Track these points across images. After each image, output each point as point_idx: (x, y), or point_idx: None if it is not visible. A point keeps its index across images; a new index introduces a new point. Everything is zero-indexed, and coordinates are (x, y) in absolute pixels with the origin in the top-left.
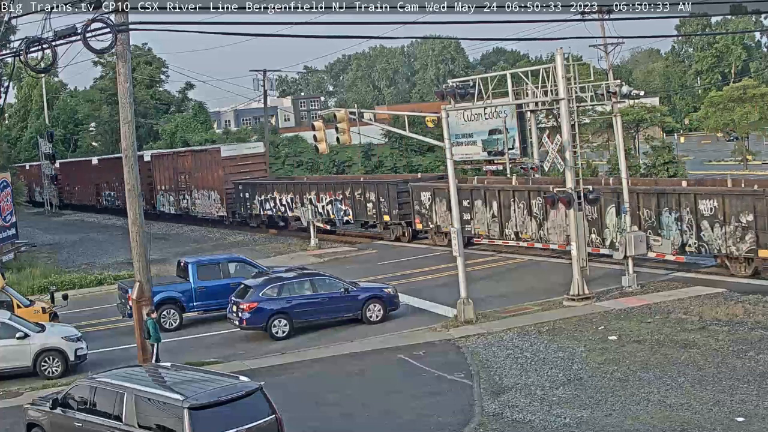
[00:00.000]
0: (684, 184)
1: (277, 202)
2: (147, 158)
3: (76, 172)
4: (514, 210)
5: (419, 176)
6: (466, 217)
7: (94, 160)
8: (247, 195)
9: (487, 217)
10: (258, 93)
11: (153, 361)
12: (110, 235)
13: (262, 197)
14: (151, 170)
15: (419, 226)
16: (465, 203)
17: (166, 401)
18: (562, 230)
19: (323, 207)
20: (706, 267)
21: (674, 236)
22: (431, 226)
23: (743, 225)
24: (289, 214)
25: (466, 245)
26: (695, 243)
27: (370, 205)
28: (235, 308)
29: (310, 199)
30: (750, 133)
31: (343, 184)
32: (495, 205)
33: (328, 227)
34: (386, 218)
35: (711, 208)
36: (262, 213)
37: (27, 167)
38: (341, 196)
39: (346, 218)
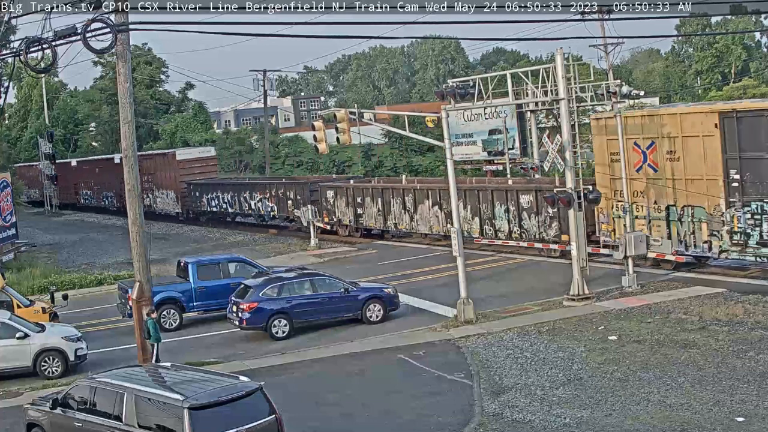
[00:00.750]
0: (510, 182)
1: (220, 200)
2: (116, 161)
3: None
4: (393, 205)
5: (333, 177)
6: (360, 211)
7: (73, 162)
8: (197, 194)
9: (374, 212)
10: (258, 93)
11: (153, 361)
12: (110, 235)
13: (209, 196)
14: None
15: (326, 219)
16: (358, 200)
17: (166, 401)
18: (426, 221)
19: (255, 204)
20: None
21: (503, 225)
22: (335, 219)
23: (550, 215)
24: (230, 210)
25: (365, 236)
26: (518, 230)
27: (289, 202)
28: (235, 308)
29: (245, 198)
30: None
31: (269, 184)
32: (379, 201)
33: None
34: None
35: (528, 202)
36: (208, 210)
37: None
38: (268, 195)
39: (272, 214)
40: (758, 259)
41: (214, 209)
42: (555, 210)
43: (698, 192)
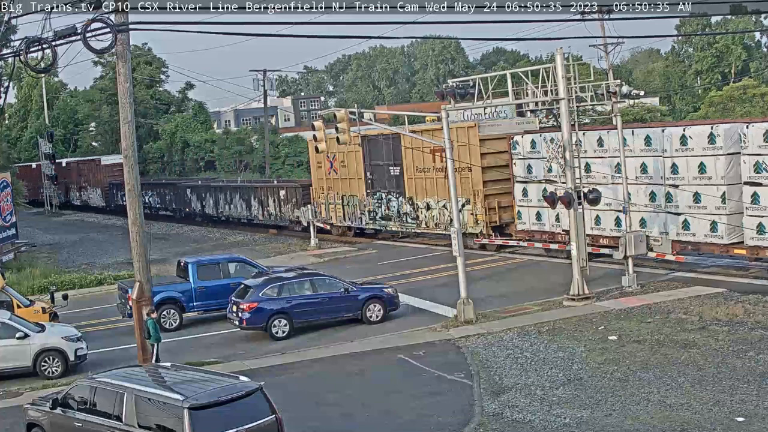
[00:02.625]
0: (275, 181)
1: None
2: (64, 164)
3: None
4: (233, 200)
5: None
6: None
7: (63, 162)
8: (115, 191)
9: (230, 207)
10: (258, 93)
11: (153, 361)
12: (110, 235)
13: (122, 193)
14: (69, 172)
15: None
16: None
17: (166, 401)
18: (262, 211)
19: (150, 198)
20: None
21: (259, 214)
22: (231, 215)
23: (292, 203)
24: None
25: (217, 224)
26: (279, 213)
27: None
28: (235, 308)
29: (150, 193)
30: None
31: (168, 184)
32: (221, 198)
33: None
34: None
35: (285, 195)
36: (122, 203)
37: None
38: (165, 192)
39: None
40: (380, 226)
41: (124, 204)
42: (294, 200)
43: (354, 187)
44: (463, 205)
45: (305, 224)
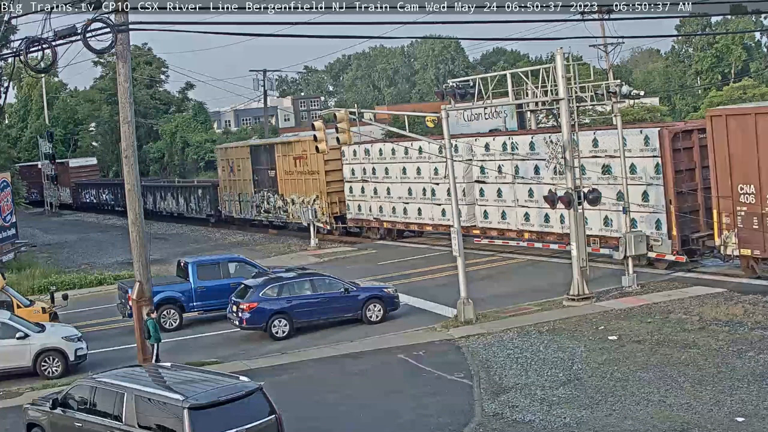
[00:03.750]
0: (195, 182)
1: (92, 195)
2: (39, 166)
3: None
4: (166, 198)
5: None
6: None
7: (39, 164)
8: (80, 190)
9: (164, 203)
10: (258, 93)
11: (153, 361)
12: (110, 235)
13: (86, 191)
14: (42, 174)
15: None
16: (158, 195)
17: (166, 401)
18: (186, 206)
19: (106, 197)
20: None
21: (184, 209)
22: (165, 210)
23: (201, 197)
24: (94, 201)
25: (154, 218)
26: (192, 210)
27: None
28: (235, 308)
29: (107, 192)
30: None
31: (118, 184)
32: (158, 196)
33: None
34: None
35: (201, 193)
36: (87, 201)
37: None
38: (117, 191)
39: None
40: (263, 218)
41: (86, 201)
42: (208, 197)
43: (246, 187)
44: (314, 200)
45: (305, 224)
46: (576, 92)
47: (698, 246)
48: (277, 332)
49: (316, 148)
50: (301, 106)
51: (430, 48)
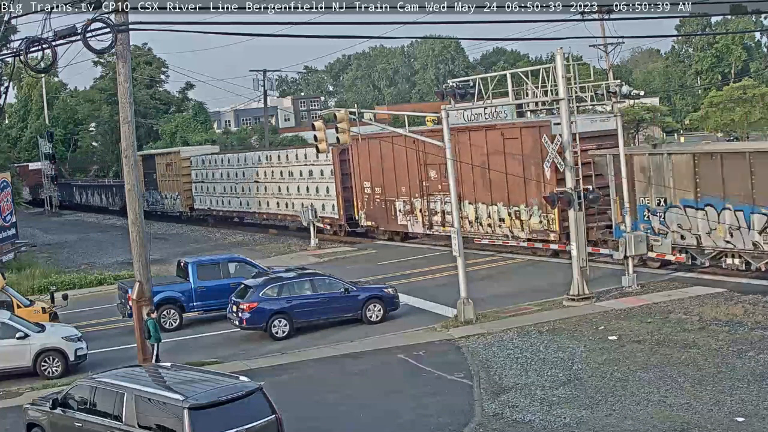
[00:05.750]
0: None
1: (50, 194)
2: (29, 167)
3: None
4: (99, 195)
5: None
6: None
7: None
8: (39, 189)
9: (97, 199)
10: (258, 93)
11: (153, 361)
12: (110, 235)
13: (42, 190)
14: (42, 174)
15: None
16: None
17: (166, 401)
18: (113, 202)
19: (58, 194)
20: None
21: (108, 204)
22: (94, 205)
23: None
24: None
25: (90, 211)
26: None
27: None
28: (235, 308)
29: (59, 191)
30: (750, 133)
31: (66, 184)
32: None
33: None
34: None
35: (115, 191)
36: (45, 198)
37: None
38: (64, 190)
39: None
40: (152, 209)
41: (49, 198)
42: (120, 192)
43: (140, 186)
44: (177, 196)
45: (305, 224)
46: (576, 92)
47: (354, 220)
48: (277, 332)
49: (316, 147)
50: (301, 106)
51: (430, 48)
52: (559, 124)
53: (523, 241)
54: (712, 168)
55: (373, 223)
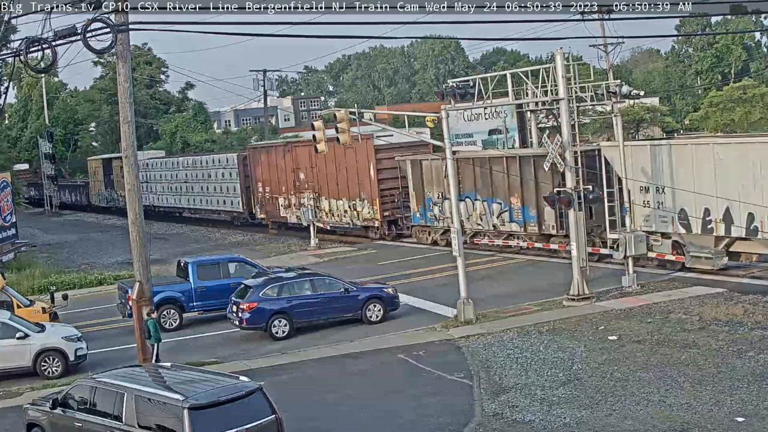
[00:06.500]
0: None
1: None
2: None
3: None
4: (70, 192)
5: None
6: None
7: None
8: (24, 189)
9: (70, 197)
10: (258, 93)
11: (153, 361)
12: (110, 235)
13: (26, 189)
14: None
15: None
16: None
17: (166, 401)
18: (81, 198)
19: (32, 193)
20: None
21: (80, 200)
22: (67, 201)
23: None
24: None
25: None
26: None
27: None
28: (235, 308)
29: (33, 189)
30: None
31: (38, 183)
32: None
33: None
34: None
35: (81, 189)
36: (45, 198)
37: None
38: (38, 188)
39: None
40: (111, 206)
41: (27, 198)
42: (86, 192)
43: (101, 186)
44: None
45: (305, 224)
46: (576, 92)
47: (253, 213)
48: (277, 332)
49: (315, 148)
50: (301, 106)
51: (430, 48)
52: (380, 136)
53: (441, 232)
54: (469, 170)
55: (265, 215)
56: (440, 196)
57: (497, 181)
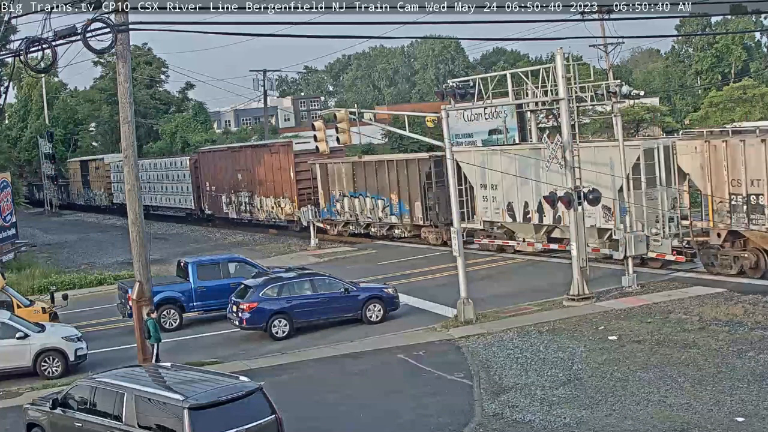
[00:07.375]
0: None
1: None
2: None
3: None
4: (55, 191)
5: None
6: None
7: None
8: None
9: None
10: (258, 93)
11: (153, 361)
12: (110, 235)
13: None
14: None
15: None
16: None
17: (166, 401)
18: (63, 196)
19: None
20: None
21: (63, 199)
22: (52, 199)
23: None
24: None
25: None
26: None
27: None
28: (235, 308)
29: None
30: None
31: (32, 183)
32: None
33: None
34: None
35: (64, 188)
36: (44, 199)
37: None
38: (26, 188)
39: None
40: (90, 203)
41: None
42: (76, 190)
43: (79, 186)
44: (103, 190)
45: (305, 224)
46: (576, 92)
47: (203, 210)
48: (277, 332)
49: (316, 147)
50: (301, 106)
51: (430, 48)
52: (300, 143)
53: (291, 222)
54: (360, 172)
55: (213, 212)
56: (341, 195)
57: (381, 180)
